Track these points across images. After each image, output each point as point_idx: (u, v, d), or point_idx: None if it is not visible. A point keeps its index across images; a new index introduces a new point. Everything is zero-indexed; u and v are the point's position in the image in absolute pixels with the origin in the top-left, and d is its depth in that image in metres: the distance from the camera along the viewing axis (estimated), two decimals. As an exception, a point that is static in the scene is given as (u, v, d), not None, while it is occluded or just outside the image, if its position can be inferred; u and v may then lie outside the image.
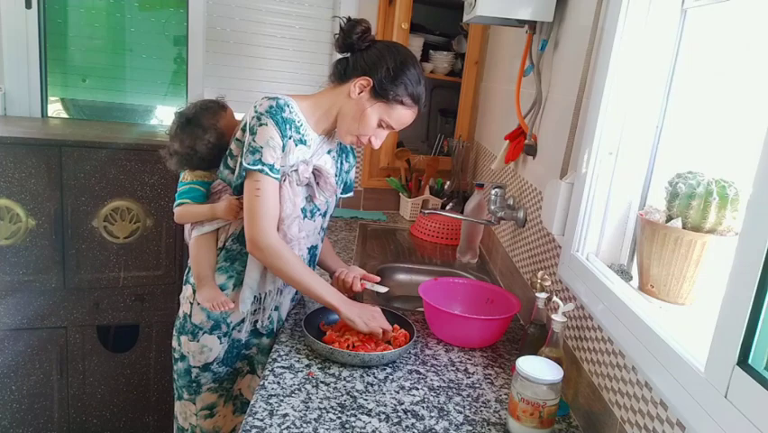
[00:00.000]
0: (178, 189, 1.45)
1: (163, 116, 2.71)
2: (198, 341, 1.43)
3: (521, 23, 1.69)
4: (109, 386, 2.31)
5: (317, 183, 1.41)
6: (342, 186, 1.56)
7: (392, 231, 2.50)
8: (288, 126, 1.32)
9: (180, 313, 1.47)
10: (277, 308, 1.49)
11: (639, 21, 1.16)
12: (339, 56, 1.42)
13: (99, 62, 2.57)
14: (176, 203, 1.45)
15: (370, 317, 1.37)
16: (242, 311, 1.41)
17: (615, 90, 1.20)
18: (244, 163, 1.29)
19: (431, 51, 2.69)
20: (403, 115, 1.37)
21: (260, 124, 1.29)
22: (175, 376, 1.52)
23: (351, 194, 1.61)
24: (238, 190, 1.37)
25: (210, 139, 1.40)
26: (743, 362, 0.72)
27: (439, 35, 2.76)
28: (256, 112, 1.30)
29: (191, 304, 1.43)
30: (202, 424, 1.51)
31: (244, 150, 1.30)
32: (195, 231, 1.44)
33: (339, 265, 1.63)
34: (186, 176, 1.46)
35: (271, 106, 1.30)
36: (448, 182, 2.63)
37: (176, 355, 1.49)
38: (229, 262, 1.43)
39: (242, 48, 2.61)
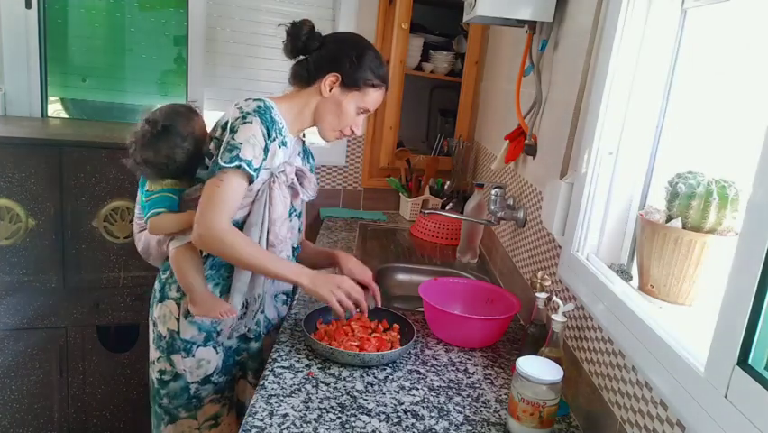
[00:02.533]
0: (147, 199, 1.37)
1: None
2: (194, 356, 1.40)
3: (521, 22, 1.69)
4: (109, 386, 2.31)
5: (301, 184, 1.41)
6: None
7: (392, 231, 2.50)
8: (274, 128, 1.32)
9: (162, 333, 1.40)
10: (262, 311, 1.47)
11: (639, 21, 1.16)
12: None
13: (99, 62, 2.57)
14: (150, 213, 1.35)
15: (335, 287, 1.33)
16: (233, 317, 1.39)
17: (615, 90, 1.20)
18: (220, 162, 1.25)
19: (431, 51, 2.69)
20: (376, 97, 1.41)
21: (245, 123, 1.28)
22: (164, 400, 1.44)
23: (314, 196, 1.51)
24: None
25: (189, 147, 1.34)
26: (743, 362, 0.72)
27: (439, 35, 2.76)
28: (242, 111, 1.29)
29: (178, 320, 1.38)
30: None
31: (222, 148, 1.27)
32: (175, 242, 1.36)
33: (330, 257, 1.58)
34: (152, 185, 1.38)
35: (259, 107, 1.31)
36: (448, 182, 2.63)
37: (166, 378, 1.41)
38: (215, 269, 1.39)
39: (242, 48, 2.61)
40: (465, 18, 1.75)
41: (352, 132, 1.43)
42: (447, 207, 2.55)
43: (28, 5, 2.33)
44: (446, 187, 2.62)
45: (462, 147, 2.66)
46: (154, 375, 1.44)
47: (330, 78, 1.36)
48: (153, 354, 1.43)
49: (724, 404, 0.73)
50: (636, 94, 1.19)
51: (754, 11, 1.01)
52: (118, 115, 2.63)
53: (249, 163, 1.27)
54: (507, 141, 1.89)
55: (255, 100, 1.33)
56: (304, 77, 1.40)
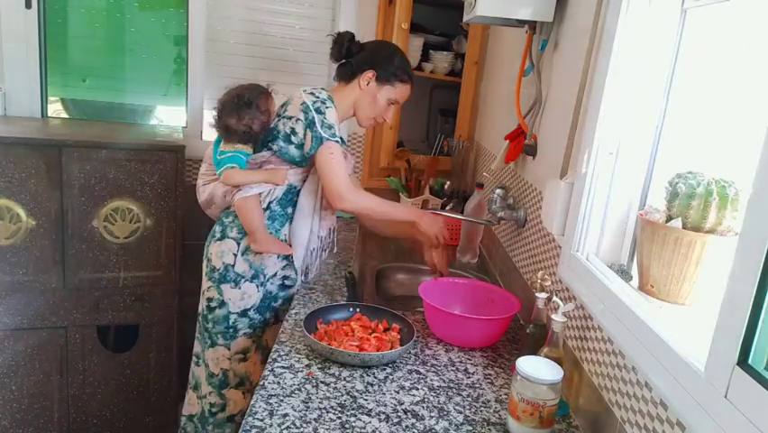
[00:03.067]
0: (221, 157, 1.63)
1: (163, 116, 2.71)
2: (240, 288, 1.65)
3: (521, 22, 1.69)
4: (109, 386, 2.31)
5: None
6: None
7: (392, 231, 2.50)
8: None
9: (216, 266, 1.66)
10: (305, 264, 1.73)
11: (639, 21, 1.16)
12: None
13: (99, 62, 2.57)
14: (225, 166, 1.61)
15: (440, 230, 1.72)
16: (297, 268, 1.69)
17: (615, 90, 1.20)
18: (325, 135, 1.57)
19: (431, 51, 2.69)
20: (405, 90, 1.74)
21: (327, 107, 1.60)
22: (209, 324, 1.68)
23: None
24: (308, 161, 1.63)
25: (264, 120, 1.61)
26: (743, 362, 0.72)
27: (439, 35, 2.76)
28: (318, 97, 1.61)
29: (235, 255, 1.65)
30: (236, 367, 1.70)
31: (318, 126, 1.57)
32: (242, 193, 1.62)
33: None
34: (225, 146, 1.64)
35: (329, 96, 1.64)
36: (448, 182, 2.63)
37: (213, 304, 1.67)
38: (270, 221, 1.66)
39: (242, 48, 2.61)
40: (465, 18, 1.75)
41: (384, 120, 1.77)
42: (447, 207, 2.55)
43: (28, 5, 2.33)
44: (446, 187, 2.62)
45: (462, 147, 2.66)
46: (203, 304, 1.69)
47: (367, 74, 1.68)
48: (205, 284, 1.70)
49: (724, 404, 0.73)
50: (636, 94, 1.19)
51: (754, 11, 1.01)
52: (118, 115, 2.63)
53: (341, 139, 1.61)
54: (507, 141, 1.89)
55: (322, 89, 1.65)
56: (347, 74, 1.72)
